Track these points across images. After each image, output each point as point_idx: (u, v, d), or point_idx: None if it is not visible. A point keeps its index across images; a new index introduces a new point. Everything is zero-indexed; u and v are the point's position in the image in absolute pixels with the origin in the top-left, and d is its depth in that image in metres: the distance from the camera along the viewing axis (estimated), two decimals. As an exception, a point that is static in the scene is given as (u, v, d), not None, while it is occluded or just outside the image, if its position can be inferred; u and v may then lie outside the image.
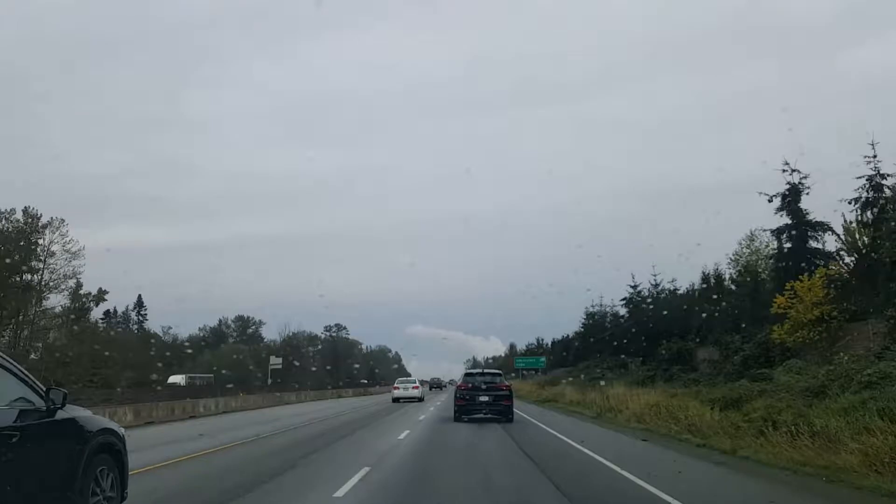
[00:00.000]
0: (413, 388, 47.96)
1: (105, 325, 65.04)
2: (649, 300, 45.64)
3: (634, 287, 48.83)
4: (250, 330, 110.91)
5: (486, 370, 30.50)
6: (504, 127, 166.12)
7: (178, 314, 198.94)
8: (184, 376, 66.32)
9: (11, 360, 5.94)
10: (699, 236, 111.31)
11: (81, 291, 63.64)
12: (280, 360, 79.21)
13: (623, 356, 44.31)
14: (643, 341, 40.46)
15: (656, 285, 46.99)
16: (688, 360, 34.14)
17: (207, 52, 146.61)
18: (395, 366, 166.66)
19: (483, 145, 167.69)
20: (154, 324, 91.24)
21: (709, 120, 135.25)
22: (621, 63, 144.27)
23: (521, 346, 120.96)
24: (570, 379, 47.25)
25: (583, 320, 62.50)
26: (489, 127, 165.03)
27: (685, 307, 38.77)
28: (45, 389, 6.01)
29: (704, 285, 38.97)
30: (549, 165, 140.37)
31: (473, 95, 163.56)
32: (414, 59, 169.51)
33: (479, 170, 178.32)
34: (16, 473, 5.18)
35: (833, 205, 27.51)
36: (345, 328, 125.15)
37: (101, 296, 65.80)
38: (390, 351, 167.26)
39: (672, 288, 45.96)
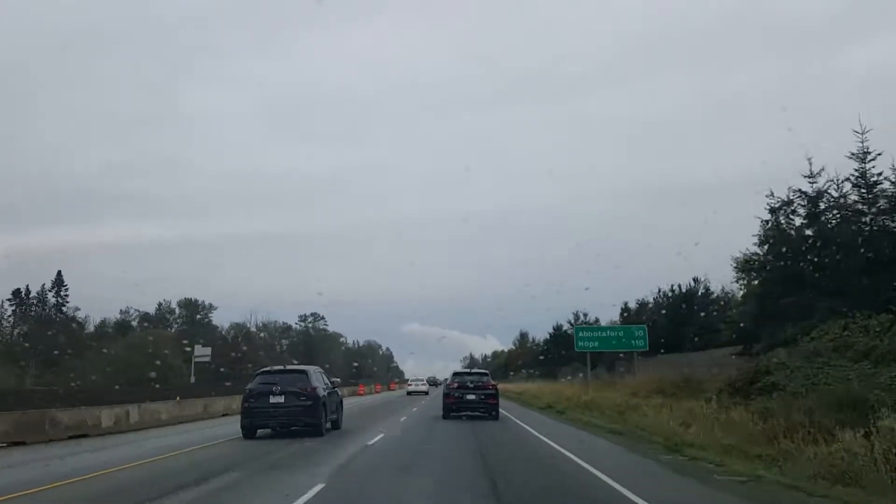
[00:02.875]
0: (422, 385, 64.28)
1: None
2: None
3: None
4: (199, 316, 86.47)
5: (473, 370, 33.56)
6: (504, 125, 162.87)
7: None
8: None
9: (323, 372, 21.35)
10: (698, 235, 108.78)
11: None
12: (208, 350, 55.47)
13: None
14: None
15: None
16: None
17: (205, 50, 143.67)
18: (394, 364, 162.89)
19: (482, 144, 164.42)
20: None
21: (709, 119, 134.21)
22: (621, 62, 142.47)
23: (535, 335, 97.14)
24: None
25: (762, 230, 27.24)
26: (489, 125, 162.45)
27: None
28: (331, 380, 21.63)
29: None
30: (549, 164, 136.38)
31: (473, 94, 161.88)
32: (414, 57, 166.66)
33: (478, 168, 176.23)
34: (331, 403, 20.23)
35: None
36: (322, 318, 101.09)
37: None
38: (380, 347, 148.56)
39: None
